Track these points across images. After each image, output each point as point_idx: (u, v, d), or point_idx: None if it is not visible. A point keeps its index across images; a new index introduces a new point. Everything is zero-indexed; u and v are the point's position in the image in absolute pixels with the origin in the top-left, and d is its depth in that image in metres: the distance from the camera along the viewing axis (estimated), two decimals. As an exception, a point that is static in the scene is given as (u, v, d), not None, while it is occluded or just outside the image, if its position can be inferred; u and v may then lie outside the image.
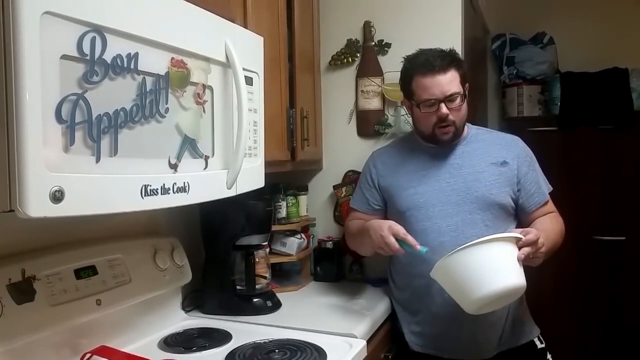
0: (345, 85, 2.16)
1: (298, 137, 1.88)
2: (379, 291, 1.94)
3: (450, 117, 1.55)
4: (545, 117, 2.86)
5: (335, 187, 2.17)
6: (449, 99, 1.54)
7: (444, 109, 1.54)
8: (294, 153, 1.86)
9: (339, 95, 2.17)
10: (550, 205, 1.68)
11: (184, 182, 1.05)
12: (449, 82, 1.53)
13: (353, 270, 2.16)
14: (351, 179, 2.13)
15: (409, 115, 2.05)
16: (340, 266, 2.16)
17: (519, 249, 1.35)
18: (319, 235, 2.21)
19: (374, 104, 2.10)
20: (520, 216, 1.66)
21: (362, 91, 2.11)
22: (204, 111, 1.13)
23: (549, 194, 1.69)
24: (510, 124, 2.89)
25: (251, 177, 1.35)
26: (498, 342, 1.59)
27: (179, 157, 1.04)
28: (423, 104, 1.55)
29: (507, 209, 1.62)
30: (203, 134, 1.13)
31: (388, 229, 1.48)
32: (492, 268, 1.30)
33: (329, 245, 2.14)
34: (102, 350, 1.20)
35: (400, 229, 1.48)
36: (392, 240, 1.46)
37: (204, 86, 1.13)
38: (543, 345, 1.68)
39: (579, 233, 2.73)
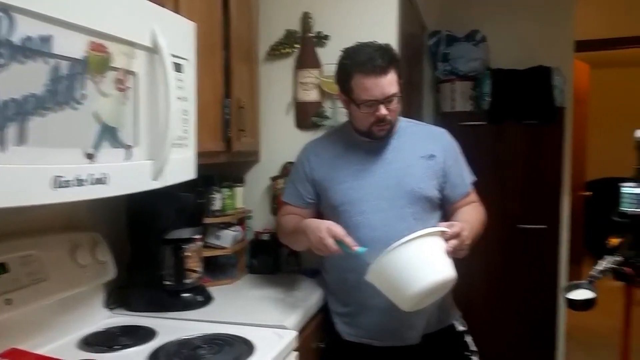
0: (283, 76, 2.14)
1: (234, 127, 1.83)
2: (313, 282, 1.95)
3: (388, 116, 1.56)
4: (476, 112, 2.95)
5: (273, 178, 2.15)
6: (388, 100, 1.54)
7: (383, 110, 1.54)
8: (229, 144, 1.82)
9: (277, 86, 2.15)
10: (473, 196, 1.74)
11: (103, 173, 1.00)
12: (389, 83, 1.53)
13: (289, 262, 2.15)
14: (289, 170, 2.11)
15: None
16: (276, 258, 2.14)
17: (446, 241, 1.38)
18: (256, 228, 2.18)
19: (312, 95, 2.09)
20: (445, 206, 1.71)
21: (300, 83, 2.09)
22: (126, 98, 1.07)
23: (473, 184, 1.74)
24: (444, 119, 2.97)
25: (180, 168, 1.30)
26: (425, 327, 1.64)
27: (96, 147, 0.99)
28: (362, 104, 1.55)
29: (434, 201, 1.66)
30: (125, 122, 1.07)
31: (327, 231, 1.46)
32: (422, 264, 1.32)
33: (266, 237, 2.12)
34: (12, 353, 1.13)
35: (339, 231, 1.47)
36: (331, 241, 1.45)
37: (127, 72, 1.07)
38: (464, 329, 1.74)
39: (504, 222, 2.88)
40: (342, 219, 1.59)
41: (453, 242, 1.38)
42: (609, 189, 1.88)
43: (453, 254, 1.39)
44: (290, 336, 1.45)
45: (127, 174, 1.09)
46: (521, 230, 2.91)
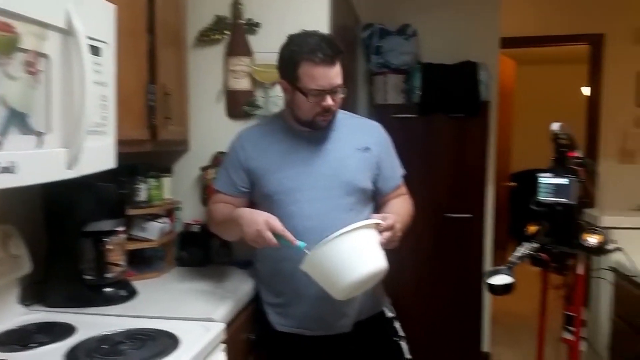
0: (213, 63, 2.09)
1: (159, 115, 1.77)
2: (245, 273, 1.93)
3: (332, 107, 1.56)
4: (408, 104, 3.02)
5: (203, 168, 2.10)
6: (334, 90, 1.55)
7: (329, 100, 1.54)
8: (154, 132, 1.75)
9: (207, 74, 2.09)
10: (403, 188, 1.79)
11: (10, 162, 0.93)
12: (336, 74, 1.53)
13: (220, 253, 2.11)
14: (220, 160, 2.07)
15: (279, 97, 2.05)
16: (207, 250, 2.10)
17: (380, 233, 1.41)
18: (185, 219, 2.13)
19: (244, 84, 2.06)
20: (376, 198, 1.74)
21: (231, 70, 2.05)
22: (37, 82, 1.01)
23: (403, 177, 1.79)
24: (377, 111, 3.01)
25: (99, 156, 1.24)
26: (357, 315, 1.66)
27: (3, 133, 0.92)
28: (310, 94, 1.53)
29: (368, 193, 1.69)
30: (36, 108, 1.00)
31: (265, 224, 1.44)
32: (356, 256, 1.35)
33: (196, 229, 2.08)
34: None
35: (277, 225, 1.44)
36: (270, 235, 1.43)
37: (38, 54, 1.00)
38: (393, 315, 1.78)
39: (433, 211, 2.97)
40: (275, 208, 1.58)
41: (386, 234, 1.43)
42: (530, 179, 1.98)
43: (385, 245, 1.42)
44: (217, 329, 1.42)
45: (39, 163, 1.02)
46: (448, 219, 3.01)
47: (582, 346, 1.91)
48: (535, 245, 1.78)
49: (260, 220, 1.45)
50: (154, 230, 1.89)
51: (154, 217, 1.93)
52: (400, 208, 1.67)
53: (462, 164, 3.00)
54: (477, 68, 2.89)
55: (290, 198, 1.60)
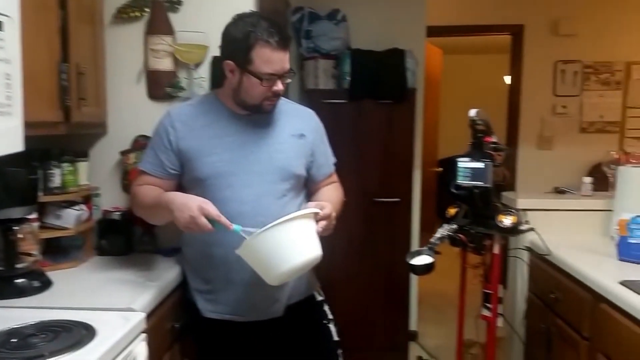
0: (133, 42, 2.00)
1: (73, 95, 1.67)
2: (169, 261, 1.88)
3: (281, 92, 1.55)
4: (338, 90, 3.03)
5: (123, 153, 2.01)
6: (284, 75, 1.54)
7: (280, 85, 1.53)
8: (68, 114, 1.66)
9: (126, 53, 2.00)
10: (334, 176, 1.81)
11: None
12: (287, 59, 1.52)
13: (144, 241, 2.05)
14: (141, 144, 1.99)
15: (203, 79, 2.00)
16: (128, 238, 2.03)
17: (317, 222, 1.44)
18: (104, 206, 2.04)
19: (165, 64, 1.98)
20: (309, 185, 1.74)
21: (151, 50, 1.97)
22: None
23: (334, 164, 1.80)
24: (309, 96, 3.01)
25: (3, 139, 1.15)
26: (288, 299, 1.67)
27: None
28: (264, 78, 1.49)
29: (301, 180, 1.69)
30: None
31: (199, 210, 1.39)
32: (295, 244, 1.37)
33: (116, 216, 2.00)
34: None
35: (212, 210, 1.40)
36: (204, 221, 1.39)
37: None
38: (322, 298, 1.79)
39: (363, 196, 3.03)
40: (208, 192, 1.54)
41: (323, 223, 1.46)
42: (454, 165, 2.04)
43: (321, 233, 1.45)
44: (137, 318, 1.38)
45: None
46: (377, 204, 3.07)
47: (499, 322, 2.01)
48: (454, 226, 1.85)
49: (193, 206, 1.40)
50: (69, 218, 1.80)
51: (69, 204, 1.83)
52: (333, 196, 1.69)
53: (391, 150, 3.06)
54: (404, 55, 2.95)
55: (225, 182, 1.56)
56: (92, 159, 1.99)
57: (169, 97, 2.00)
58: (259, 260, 1.39)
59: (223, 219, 1.41)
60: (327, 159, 1.77)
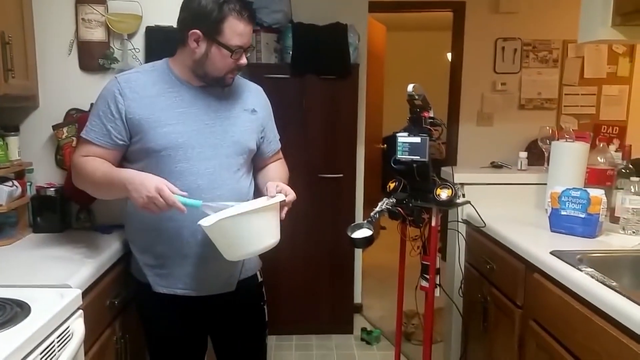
0: (62, 11, 1.91)
1: (0, 67, 1.59)
2: (107, 238, 1.85)
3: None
4: (281, 64, 3.01)
5: (55, 127, 1.94)
6: (248, 49, 1.54)
7: (244, 59, 1.53)
8: (-7, 86, 1.58)
9: (55, 23, 1.92)
10: (280, 152, 1.83)
11: None
12: (252, 32, 1.54)
13: (80, 218, 2.00)
14: (74, 118, 1.93)
15: (137, 50, 1.94)
16: (64, 215, 1.97)
17: (281, 208, 1.50)
18: (38, 182, 1.97)
19: (98, 34, 1.91)
20: (256, 161, 1.74)
21: (83, 19, 1.89)
22: None
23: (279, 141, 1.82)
24: (250, 70, 2.96)
25: None
26: (239, 274, 1.67)
27: None
28: (233, 50, 1.48)
29: (252, 155, 1.68)
30: None
31: (156, 190, 1.36)
32: (264, 229, 1.44)
33: (51, 192, 1.93)
34: None
35: (168, 194, 1.37)
36: (163, 202, 1.36)
37: None
38: (261, 279, 1.81)
39: (308, 171, 3.05)
40: (162, 165, 1.51)
41: (286, 209, 1.51)
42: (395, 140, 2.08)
43: (282, 218, 1.51)
44: (72, 295, 1.35)
45: None
46: (322, 179, 3.10)
47: (438, 292, 2.08)
48: (392, 200, 1.89)
49: (150, 187, 1.37)
50: (1, 195, 1.73)
51: (1, 180, 1.75)
52: (283, 174, 1.73)
53: (334, 126, 3.08)
54: (346, 30, 2.95)
55: (181, 155, 1.52)
56: (23, 134, 1.91)
57: (102, 69, 1.93)
58: (225, 239, 1.42)
59: (177, 204, 1.38)
60: (275, 136, 1.78)
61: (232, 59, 1.50)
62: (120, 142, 1.54)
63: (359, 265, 3.48)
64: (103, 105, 1.53)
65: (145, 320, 1.72)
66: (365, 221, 1.88)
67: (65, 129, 1.90)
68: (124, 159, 1.58)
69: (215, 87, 1.59)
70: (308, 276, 3.22)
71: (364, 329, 3.27)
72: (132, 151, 1.56)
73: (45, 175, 1.98)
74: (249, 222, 1.39)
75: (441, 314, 2.74)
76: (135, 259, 1.67)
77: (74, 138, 1.90)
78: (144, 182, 1.39)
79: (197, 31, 1.48)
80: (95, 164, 1.52)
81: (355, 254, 3.33)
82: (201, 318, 1.70)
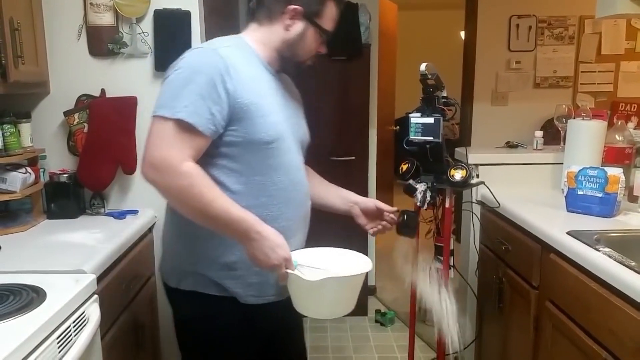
0: (70, -5, 1.90)
1: (9, 53, 1.59)
2: (121, 223, 1.86)
3: None
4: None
5: (66, 113, 1.94)
6: None
7: (325, 47, 1.42)
8: (4, 73, 1.58)
9: (64, 8, 1.91)
10: None
11: None
12: None
13: (94, 204, 2.01)
14: (85, 104, 1.93)
15: (146, 34, 1.92)
16: (78, 201, 1.98)
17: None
18: (51, 169, 1.98)
19: (106, 19, 1.90)
20: None
21: (91, 4, 1.88)
22: None
23: None
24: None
25: None
26: None
27: None
28: (326, 34, 1.37)
29: None
30: None
31: (284, 261, 1.23)
32: (353, 297, 1.33)
33: (64, 178, 1.94)
34: None
35: (292, 263, 1.25)
36: (285, 273, 1.24)
37: None
38: None
39: (319, 154, 3.00)
40: (270, 157, 1.29)
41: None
42: (407, 121, 2.05)
43: None
44: (87, 280, 1.36)
45: None
46: (333, 162, 3.08)
47: (451, 274, 2.07)
48: (426, 184, 1.85)
49: (282, 255, 1.22)
50: (15, 181, 1.75)
51: (14, 167, 1.77)
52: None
53: (346, 108, 3.05)
54: (357, 10, 2.90)
55: (286, 146, 1.33)
56: (35, 120, 1.92)
57: (111, 54, 1.93)
58: (302, 295, 1.28)
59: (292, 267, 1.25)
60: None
61: (322, 45, 1.39)
62: (219, 131, 1.24)
63: (372, 249, 3.48)
64: (205, 83, 1.20)
65: (220, 345, 1.40)
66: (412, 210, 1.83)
67: (76, 115, 1.90)
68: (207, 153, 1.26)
69: (283, 73, 1.42)
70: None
71: (378, 311, 3.28)
72: (226, 142, 1.26)
73: (58, 162, 1.99)
74: (346, 286, 1.27)
75: (456, 296, 2.72)
76: (198, 269, 1.34)
77: (85, 124, 1.90)
78: (279, 248, 1.22)
79: (299, 8, 1.31)
80: (216, 191, 1.20)
81: (368, 239, 3.31)
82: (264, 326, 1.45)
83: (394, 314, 3.28)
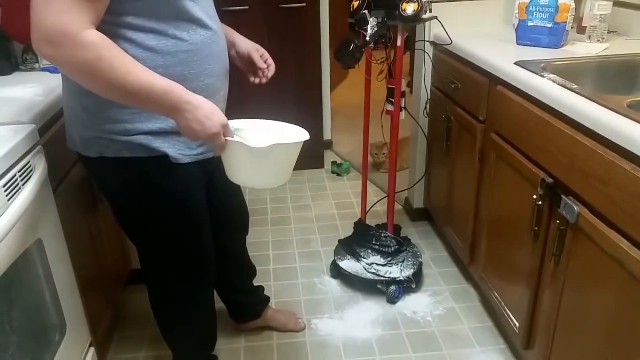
0: None
1: None
2: (59, 77, 1.74)
3: None
4: None
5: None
6: None
7: None
8: None
9: None
10: None
11: None
12: None
13: (27, 59, 1.88)
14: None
15: None
16: (9, 56, 1.84)
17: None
18: (-28, 21, 1.80)
19: None
20: None
21: None
22: None
23: None
24: None
25: None
26: None
27: None
28: None
29: None
30: None
31: (222, 127, 1.13)
32: (290, 165, 1.28)
33: (-10, 31, 1.78)
34: None
35: (230, 129, 1.16)
36: (223, 140, 1.14)
37: None
38: None
39: (267, 1, 2.86)
40: (178, 8, 1.13)
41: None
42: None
43: None
44: (27, 130, 1.31)
45: None
46: (283, 10, 2.93)
47: (402, 115, 2.09)
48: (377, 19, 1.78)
49: (218, 122, 1.12)
50: None
51: None
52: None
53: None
54: None
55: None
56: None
57: None
58: (241, 163, 1.20)
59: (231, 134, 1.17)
60: None
61: None
62: None
63: (327, 103, 3.47)
64: None
65: (165, 204, 1.34)
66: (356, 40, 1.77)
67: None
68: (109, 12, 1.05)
69: None
70: (276, 116, 3.17)
71: (334, 162, 3.36)
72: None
73: (-22, 12, 1.80)
74: (290, 154, 1.23)
75: (407, 143, 2.80)
76: (133, 128, 1.20)
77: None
78: (213, 115, 1.11)
79: None
80: (130, 62, 1.03)
81: (323, 92, 3.28)
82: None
83: (350, 164, 3.38)
